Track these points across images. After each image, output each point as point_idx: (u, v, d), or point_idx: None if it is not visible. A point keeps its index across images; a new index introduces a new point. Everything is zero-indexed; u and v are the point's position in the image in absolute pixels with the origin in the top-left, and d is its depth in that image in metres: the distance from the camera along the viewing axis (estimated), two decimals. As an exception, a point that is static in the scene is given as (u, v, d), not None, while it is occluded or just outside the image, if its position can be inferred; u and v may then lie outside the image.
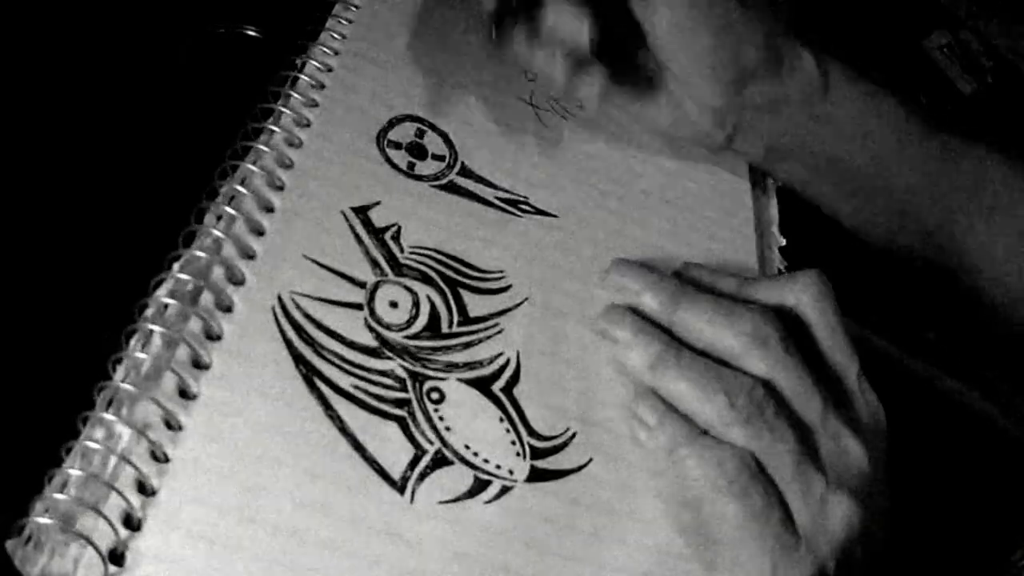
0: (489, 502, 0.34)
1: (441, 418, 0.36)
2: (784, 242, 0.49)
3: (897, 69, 0.75)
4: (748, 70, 0.45)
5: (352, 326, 0.36)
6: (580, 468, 0.37)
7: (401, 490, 0.33)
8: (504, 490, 0.35)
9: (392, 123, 0.43)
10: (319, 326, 0.36)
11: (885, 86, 0.49)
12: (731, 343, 0.38)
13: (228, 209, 0.37)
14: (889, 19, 0.76)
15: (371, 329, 0.37)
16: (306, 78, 0.42)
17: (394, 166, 0.42)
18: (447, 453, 0.35)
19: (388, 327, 0.37)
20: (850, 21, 0.74)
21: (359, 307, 0.37)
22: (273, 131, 0.40)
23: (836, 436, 0.37)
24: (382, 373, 0.36)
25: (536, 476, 0.36)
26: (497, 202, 0.43)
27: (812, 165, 0.48)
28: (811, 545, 0.35)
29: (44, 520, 0.29)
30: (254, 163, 0.38)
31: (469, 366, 0.37)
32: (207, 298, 0.35)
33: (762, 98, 0.46)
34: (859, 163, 0.48)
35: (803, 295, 0.40)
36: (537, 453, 0.36)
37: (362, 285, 0.37)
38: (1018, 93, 0.79)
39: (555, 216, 0.44)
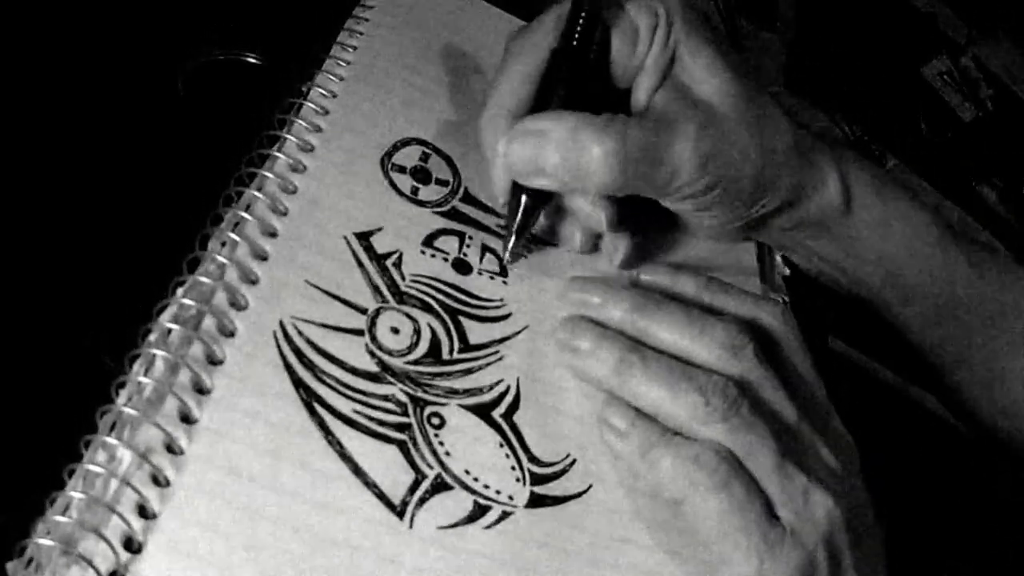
0: (488, 527, 0.35)
1: (441, 443, 0.36)
2: (788, 272, 0.49)
3: (897, 96, 0.76)
4: (767, 214, 0.44)
5: (353, 352, 0.36)
6: (580, 494, 0.37)
7: (400, 515, 0.33)
8: (504, 516, 0.35)
9: (397, 146, 0.43)
10: (320, 352, 0.36)
11: (911, 190, 0.47)
12: (703, 353, 0.37)
13: (231, 235, 0.37)
14: (889, 46, 0.77)
15: (372, 354, 0.37)
16: (310, 104, 0.43)
17: (398, 191, 0.42)
18: (447, 478, 0.35)
19: (389, 352, 0.37)
20: (850, 48, 0.75)
21: (360, 333, 0.37)
22: (277, 157, 0.40)
23: (812, 444, 0.37)
24: (383, 398, 0.36)
25: (536, 502, 0.36)
26: (498, 229, 0.43)
27: (827, 274, 0.48)
28: (798, 537, 0.35)
29: (45, 542, 0.29)
30: (258, 189, 0.39)
31: (469, 392, 0.37)
32: (209, 323, 0.35)
33: (779, 224, 0.45)
34: (875, 276, 0.47)
35: (773, 318, 0.40)
36: (537, 479, 0.36)
37: (363, 311, 0.38)
38: (1017, 120, 0.79)
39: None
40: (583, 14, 0.40)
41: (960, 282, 0.47)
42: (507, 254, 0.41)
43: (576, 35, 0.40)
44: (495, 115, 0.40)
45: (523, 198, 0.40)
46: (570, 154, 0.37)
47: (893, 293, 0.47)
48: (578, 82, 0.40)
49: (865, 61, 0.73)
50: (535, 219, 0.41)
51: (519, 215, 0.40)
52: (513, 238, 0.41)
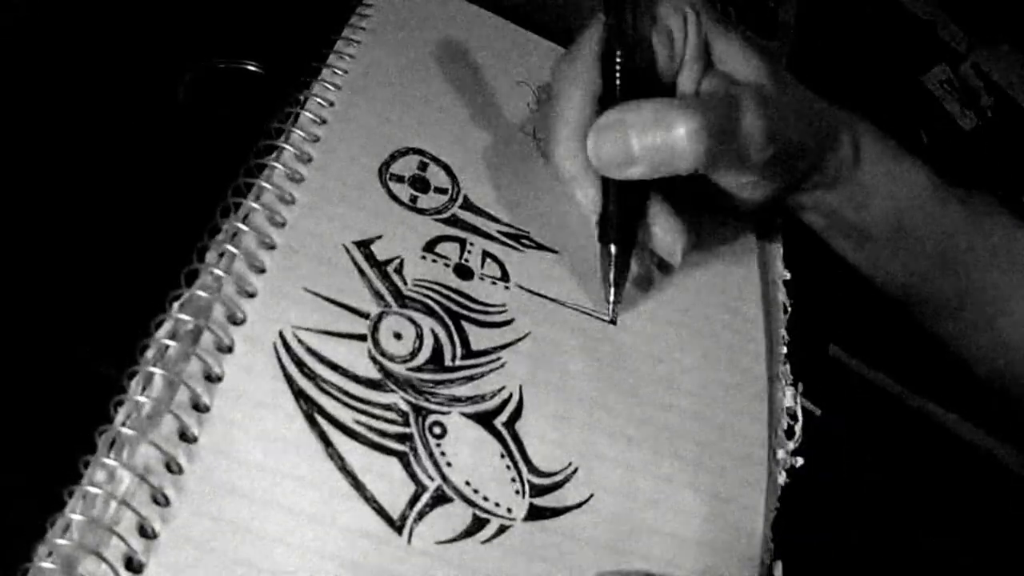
0: (486, 542, 0.34)
1: (443, 453, 0.35)
2: (788, 276, 0.49)
3: (897, 104, 0.76)
4: (796, 182, 0.46)
5: (355, 358, 0.36)
6: (581, 504, 0.36)
7: (399, 530, 0.33)
8: (501, 529, 0.35)
9: (395, 156, 0.43)
10: (321, 359, 0.36)
11: (906, 144, 0.50)
12: None
13: (229, 247, 0.37)
14: (889, 54, 0.77)
15: (374, 360, 0.36)
16: (308, 114, 0.42)
17: (396, 200, 0.42)
18: (447, 490, 0.35)
19: (392, 358, 0.37)
20: (850, 56, 0.75)
21: (363, 338, 0.37)
22: (275, 168, 0.40)
23: None
24: (385, 407, 0.36)
25: (535, 514, 0.36)
26: (499, 236, 0.43)
27: (835, 225, 0.50)
28: None
29: (47, 565, 0.29)
30: (256, 200, 0.39)
31: (472, 400, 0.37)
32: (207, 339, 0.34)
33: (801, 185, 0.47)
34: (882, 228, 0.49)
35: None
36: (537, 490, 0.36)
37: (365, 316, 0.37)
38: (1018, 128, 0.79)
39: (556, 252, 0.44)
40: (624, 23, 0.41)
41: (960, 230, 0.50)
42: (611, 309, 0.42)
43: (621, 41, 0.41)
44: (567, 138, 0.42)
45: (612, 248, 0.41)
46: (657, 136, 0.39)
47: (898, 245, 0.50)
48: (632, 86, 0.41)
49: (865, 69, 0.73)
50: (627, 268, 0.42)
51: (611, 267, 0.41)
52: (613, 290, 0.41)
